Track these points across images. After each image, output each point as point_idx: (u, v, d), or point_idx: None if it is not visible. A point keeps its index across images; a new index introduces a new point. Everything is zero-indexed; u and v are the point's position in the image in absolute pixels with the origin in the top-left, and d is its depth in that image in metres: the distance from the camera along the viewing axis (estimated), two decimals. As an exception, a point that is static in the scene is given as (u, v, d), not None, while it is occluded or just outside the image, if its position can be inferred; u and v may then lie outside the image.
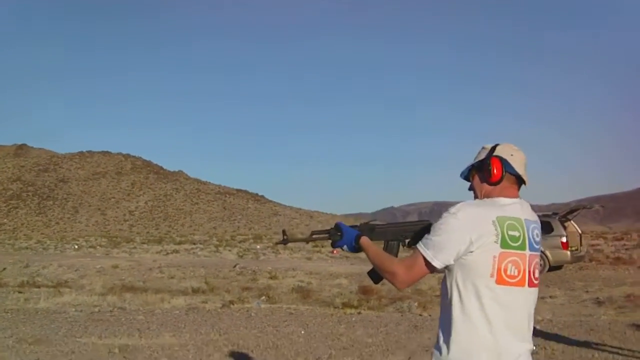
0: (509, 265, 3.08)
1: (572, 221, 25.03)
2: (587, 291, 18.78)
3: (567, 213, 25.30)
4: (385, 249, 3.59)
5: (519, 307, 3.13)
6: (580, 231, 25.28)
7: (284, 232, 4.09)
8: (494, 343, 3.04)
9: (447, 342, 3.13)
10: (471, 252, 3.05)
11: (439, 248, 3.09)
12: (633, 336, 11.03)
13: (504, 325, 3.07)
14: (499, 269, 3.06)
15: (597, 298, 17.15)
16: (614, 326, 12.13)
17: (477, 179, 3.39)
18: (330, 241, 3.72)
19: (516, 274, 3.10)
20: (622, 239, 42.18)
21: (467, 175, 3.49)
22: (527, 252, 3.15)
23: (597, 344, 10.34)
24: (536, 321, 12.54)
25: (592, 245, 35.24)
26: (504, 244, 3.06)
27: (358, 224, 3.72)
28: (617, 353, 9.59)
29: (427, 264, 3.12)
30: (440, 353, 3.15)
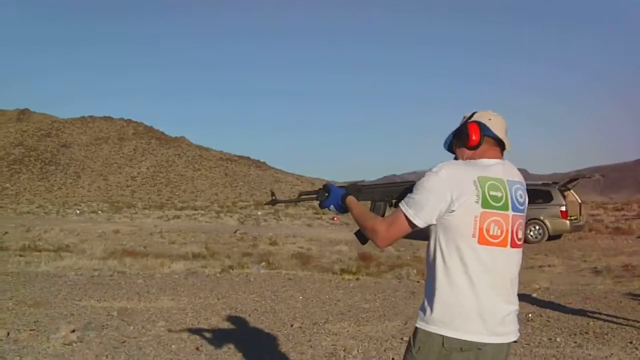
0: (492, 225, 3.10)
1: (572, 190, 25.05)
2: (585, 260, 18.85)
3: (567, 182, 25.33)
4: (372, 209, 3.62)
5: (502, 267, 3.15)
6: (579, 201, 25.31)
7: (272, 192, 4.15)
8: (477, 303, 3.07)
9: (430, 303, 3.16)
10: (452, 211, 3.07)
11: (420, 206, 3.11)
12: (628, 305, 11.09)
13: (487, 285, 3.09)
14: (480, 229, 3.08)
15: (595, 267, 17.22)
16: (610, 295, 12.19)
17: (457, 145, 3.41)
18: (318, 202, 3.78)
19: (499, 234, 3.12)
20: (622, 209, 42.11)
21: (450, 146, 3.52)
22: (510, 212, 3.17)
23: (592, 312, 10.41)
24: (532, 289, 12.69)
25: (592, 215, 35.22)
26: (485, 204, 3.08)
27: (346, 184, 3.76)
28: (612, 322, 9.65)
29: (409, 222, 3.15)
30: (424, 314, 3.19)
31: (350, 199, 3.59)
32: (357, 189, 3.70)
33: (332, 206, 3.67)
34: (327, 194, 3.71)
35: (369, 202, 3.69)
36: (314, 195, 3.83)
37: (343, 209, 3.63)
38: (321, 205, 3.75)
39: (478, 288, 3.08)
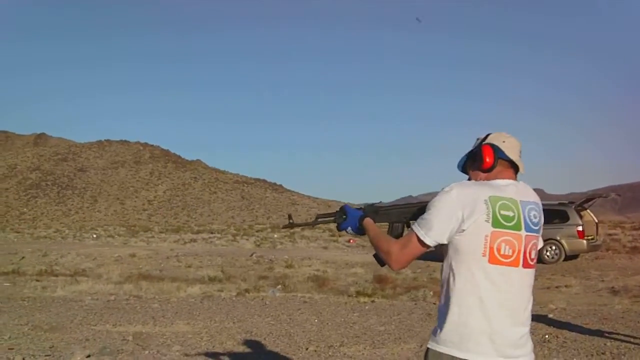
0: (502, 244, 3.08)
1: (588, 210, 24.91)
2: (602, 280, 18.72)
3: (583, 202, 25.17)
4: (390, 230, 3.63)
5: (513, 287, 3.12)
6: (596, 220, 25.14)
7: (289, 216, 4.15)
8: (487, 324, 3.05)
9: (441, 323, 3.16)
10: (463, 230, 3.07)
11: (430, 225, 3.11)
12: (646, 325, 11.01)
13: (497, 306, 3.07)
14: (491, 248, 3.06)
15: (613, 287, 17.10)
16: (627, 315, 12.11)
17: (472, 168, 3.41)
18: (335, 224, 3.77)
19: (510, 253, 3.10)
20: (640, 228, 41.85)
21: (463, 167, 3.52)
22: (523, 232, 3.14)
23: (609, 332, 10.33)
24: (549, 310, 12.61)
25: (609, 234, 35.03)
26: (496, 223, 3.07)
27: (363, 206, 3.75)
28: (629, 342, 9.58)
29: (421, 242, 3.14)
30: (435, 334, 3.19)
31: (367, 221, 3.58)
32: (374, 211, 3.70)
33: (349, 228, 3.67)
34: (344, 216, 3.70)
35: (387, 223, 3.69)
36: (331, 218, 3.82)
37: (360, 231, 3.62)
38: (339, 228, 3.74)
39: (488, 308, 3.06)
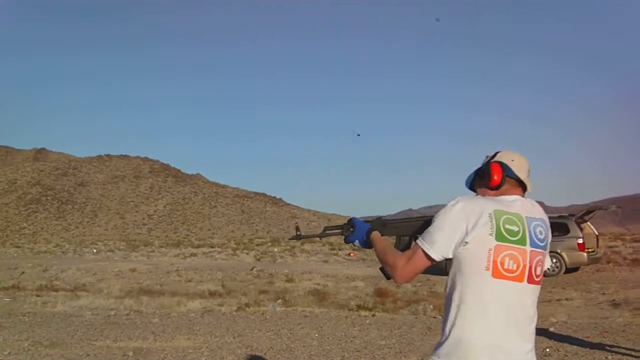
0: (506, 258, 3.06)
1: (588, 222, 24.91)
2: (603, 293, 18.70)
3: (583, 214, 25.17)
4: (398, 244, 3.63)
5: (516, 303, 3.10)
6: (597, 232, 25.16)
7: (297, 227, 4.13)
8: (488, 339, 3.03)
9: (443, 336, 3.15)
10: (466, 243, 3.05)
11: (435, 238, 3.11)
12: (647, 338, 10.99)
13: (499, 321, 3.06)
14: (494, 262, 3.05)
15: (613, 300, 17.08)
16: (629, 328, 12.09)
17: (479, 185, 3.42)
18: (343, 237, 3.77)
19: (515, 268, 3.08)
20: (640, 240, 41.82)
21: (472, 184, 3.52)
22: (528, 247, 3.12)
23: (610, 345, 10.31)
24: (550, 323, 12.59)
25: (610, 246, 35.01)
26: (500, 237, 3.05)
27: (371, 219, 3.75)
28: (631, 355, 9.57)
29: (427, 255, 3.14)
30: (438, 347, 3.17)
31: (375, 234, 3.58)
32: (382, 224, 3.70)
33: (356, 241, 3.67)
34: (352, 229, 3.71)
35: (395, 236, 3.70)
36: (339, 230, 3.81)
37: (367, 244, 3.62)
38: (346, 240, 3.74)
39: (491, 323, 3.04)
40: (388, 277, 3.47)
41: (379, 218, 3.77)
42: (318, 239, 4.02)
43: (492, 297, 3.06)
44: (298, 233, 4.02)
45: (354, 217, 3.77)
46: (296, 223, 4.52)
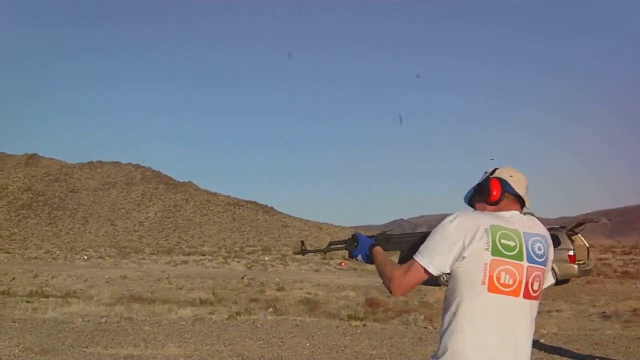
0: (502, 273, 3.08)
1: (579, 234, 24.96)
2: (593, 305, 18.76)
3: (574, 226, 25.21)
4: (401, 258, 3.65)
5: (513, 317, 3.11)
6: (587, 245, 25.20)
7: (302, 242, 4.14)
8: (484, 354, 3.04)
9: (439, 349, 3.16)
10: (463, 257, 3.08)
11: (433, 253, 3.14)
12: (637, 350, 11.04)
13: (495, 335, 3.07)
14: (491, 277, 3.06)
15: (604, 312, 17.13)
16: (618, 340, 12.13)
17: (478, 201, 3.46)
18: (347, 251, 3.79)
19: (511, 282, 3.09)
20: (631, 253, 41.99)
21: (470, 200, 3.56)
22: (525, 263, 3.14)
23: (601, 357, 10.36)
24: (541, 335, 12.61)
25: (600, 259, 35.15)
26: (496, 252, 3.08)
27: (375, 234, 3.77)
28: (620, 367, 9.62)
29: (424, 269, 3.16)
30: (433, 359, 3.18)
31: (377, 249, 3.60)
32: (385, 239, 3.71)
33: (359, 256, 3.68)
34: (355, 244, 3.72)
35: (399, 251, 3.71)
36: (343, 245, 3.83)
37: (370, 259, 3.63)
38: (350, 255, 3.75)
39: (485, 337, 3.06)
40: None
41: (383, 233, 3.79)
42: (324, 253, 4.04)
43: (487, 311, 3.08)
44: (303, 247, 4.05)
45: (358, 233, 3.78)
46: (301, 239, 4.53)
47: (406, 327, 14.39)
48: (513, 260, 3.11)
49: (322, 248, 4.05)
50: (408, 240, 3.67)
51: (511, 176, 3.38)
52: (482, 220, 3.16)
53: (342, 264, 37.43)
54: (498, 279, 3.08)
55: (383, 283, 3.45)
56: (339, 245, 3.89)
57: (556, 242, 22.97)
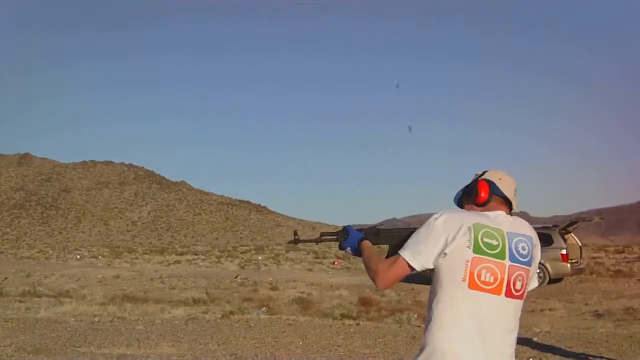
0: (483, 271, 3.13)
1: (572, 233, 24.99)
2: (586, 304, 18.79)
3: (567, 225, 25.24)
4: (390, 253, 3.68)
5: (492, 315, 3.14)
6: (580, 243, 25.24)
7: (295, 232, 4.25)
8: (464, 352, 3.07)
9: (422, 346, 3.20)
10: (445, 254, 3.14)
11: (417, 249, 3.20)
12: (630, 349, 11.07)
13: (475, 332, 3.10)
14: (471, 274, 3.11)
15: (597, 311, 17.17)
16: (611, 339, 12.16)
17: (467, 202, 3.51)
18: (337, 243, 3.87)
19: (492, 280, 3.14)
20: (623, 251, 42.00)
21: (459, 201, 3.61)
22: (507, 262, 3.18)
23: (594, 356, 10.39)
24: (534, 333, 12.65)
25: (593, 258, 35.17)
26: (477, 250, 3.13)
27: (365, 227, 3.84)
28: (613, 365, 9.64)
29: (408, 264, 3.22)
30: (417, 356, 3.22)
31: (365, 243, 3.67)
32: (375, 233, 3.80)
33: (348, 248, 3.75)
34: (346, 236, 3.80)
35: (388, 245, 3.75)
36: (334, 237, 3.92)
37: (358, 251, 3.70)
38: (340, 247, 3.83)
39: (464, 334, 3.09)
40: None
41: (373, 227, 3.86)
42: (315, 243, 4.11)
43: (467, 307, 3.12)
44: (296, 237, 4.17)
45: (348, 225, 3.87)
46: (295, 230, 4.62)
47: (399, 326, 14.41)
48: (494, 259, 3.17)
49: (314, 238, 4.12)
50: (397, 235, 3.73)
51: (500, 179, 3.44)
52: (466, 218, 3.22)
53: (336, 263, 37.41)
54: (479, 276, 3.13)
55: (368, 275, 3.51)
56: (331, 237, 3.97)
57: (549, 240, 23.02)
